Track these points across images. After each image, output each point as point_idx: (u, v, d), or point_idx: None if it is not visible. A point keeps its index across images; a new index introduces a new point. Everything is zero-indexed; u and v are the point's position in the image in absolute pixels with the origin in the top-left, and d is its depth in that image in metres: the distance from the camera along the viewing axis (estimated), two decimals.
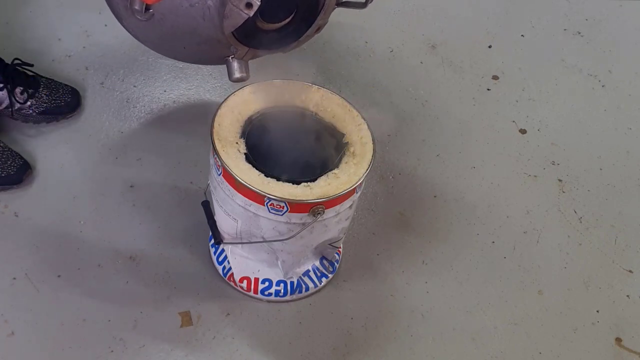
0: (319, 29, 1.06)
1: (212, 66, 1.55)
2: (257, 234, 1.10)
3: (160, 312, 1.18)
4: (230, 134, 1.08)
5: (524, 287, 1.31)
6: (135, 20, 1.00)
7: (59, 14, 1.62)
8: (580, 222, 1.43)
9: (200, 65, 1.58)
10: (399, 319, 1.23)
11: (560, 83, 1.72)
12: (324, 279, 1.24)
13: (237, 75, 1.06)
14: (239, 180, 1.02)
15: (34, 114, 1.38)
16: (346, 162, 1.08)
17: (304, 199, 1.02)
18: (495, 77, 1.70)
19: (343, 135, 1.13)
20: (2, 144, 1.30)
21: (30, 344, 1.12)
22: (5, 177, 1.27)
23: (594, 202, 1.47)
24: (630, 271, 1.37)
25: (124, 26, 1.08)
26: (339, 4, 1.09)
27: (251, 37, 1.00)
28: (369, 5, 1.19)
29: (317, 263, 1.24)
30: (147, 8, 0.95)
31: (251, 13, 0.94)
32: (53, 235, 1.25)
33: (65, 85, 1.43)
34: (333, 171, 1.07)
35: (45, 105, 1.38)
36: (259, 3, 0.93)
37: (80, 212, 1.29)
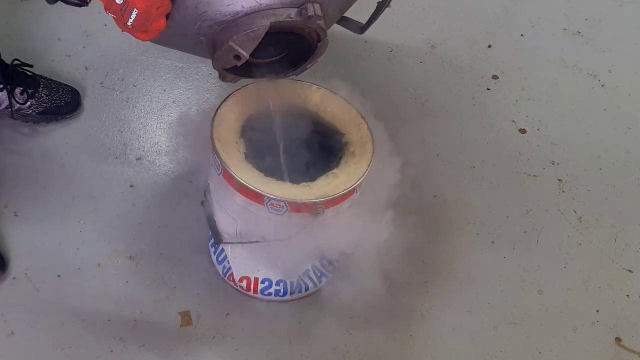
0: (306, 69, 1.07)
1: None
2: (257, 234, 1.10)
3: (160, 312, 1.18)
4: (230, 134, 1.08)
5: (524, 287, 1.31)
6: None
7: (59, 14, 1.62)
8: (580, 222, 1.43)
9: (200, 65, 1.58)
10: (399, 319, 1.23)
11: (560, 83, 1.72)
12: (324, 279, 1.24)
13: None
14: (239, 180, 1.02)
15: (34, 114, 1.38)
16: (346, 162, 1.08)
17: (304, 199, 1.02)
18: (495, 77, 1.70)
19: (343, 135, 1.13)
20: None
21: (30, 344, 1.12)
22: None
23: (594, 202, 1.47)
24: (630, 271, 1.37)
25: None
26: (339, 22, 1.10)
27: (239, 69, 1.01)
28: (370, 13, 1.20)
29: (317, 263, 1.24)
30: None
31: (239, 64, 0.95)
32: (53, 235, 1.25)
33: (66, 85, 1.43)
34: (333, 171, 1.07)
35: (45, 105, 1.38)
36: (247, 57, 0.94)
37: (80, 212, 1.29)
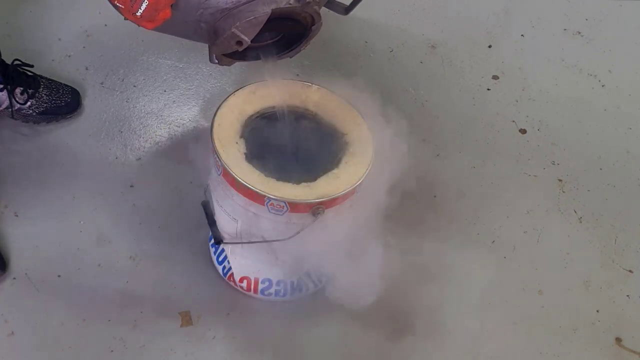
0: (299, 51, 1.09)
1: (212, 66, 1.54)
2: (257, 234, 1.10)
3: (160, 312, 1.18)
4: (230, 134, 1.08)
5: (524, 287, 1.31)
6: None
7: (59, 14, 1.62)
8: (580, 222, 1.43)
9: (200, 65, 1.58)
10: (399, 318, 1.23)
11: (560, 83, 1.72)
12: (324, 279, 1.24)
13: (216, 60, 1.09)
14: (239, 180, 1.02)
15: (34, 114, 1.38)
16: (346, 162, 1.08)
17: (304, 199, 1.02)
18: (495, 77, 1.70)
19: (343, 135, 1.13)
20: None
21: (30, 344, 1.12)
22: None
23: (594, 202, 1.47)
24: (630, 271, 1.37)
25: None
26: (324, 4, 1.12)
27: (236, 53, 1.03)
28: (369, 7, 1.20)
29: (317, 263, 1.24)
30: None
31: (241, 48, 0.96)
32: (53, 235, 1.25)
33: (66, 85, 1.43)
34: (333, 171, 1.07)
35: (45, 105, 1.38)
36: (249, 42, 0.95)
37: (80, 212, 1.29)
